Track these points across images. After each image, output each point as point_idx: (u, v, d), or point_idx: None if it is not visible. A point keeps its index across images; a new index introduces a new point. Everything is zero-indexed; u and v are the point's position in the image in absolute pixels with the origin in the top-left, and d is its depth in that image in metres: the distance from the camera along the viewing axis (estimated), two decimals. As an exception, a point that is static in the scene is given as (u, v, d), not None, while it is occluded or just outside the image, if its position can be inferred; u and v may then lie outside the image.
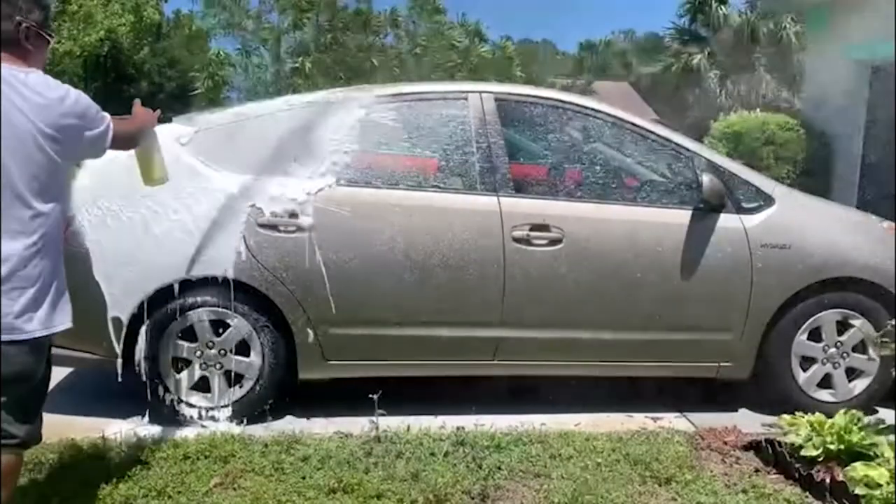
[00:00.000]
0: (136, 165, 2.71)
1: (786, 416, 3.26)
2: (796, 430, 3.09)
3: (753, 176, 3.79)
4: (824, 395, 3.72)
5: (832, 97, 8.30)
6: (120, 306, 3.26)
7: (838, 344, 3.70)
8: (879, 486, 2.60)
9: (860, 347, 3.71)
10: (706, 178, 3.49)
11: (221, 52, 15.77)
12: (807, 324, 3.66)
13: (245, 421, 3.36)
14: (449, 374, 3.62)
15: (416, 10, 16.46)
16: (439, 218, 3.42)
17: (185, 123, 3.52)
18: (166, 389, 3.36)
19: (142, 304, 3.26)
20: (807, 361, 3.71)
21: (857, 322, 3.67)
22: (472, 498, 2.72)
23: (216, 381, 3.39)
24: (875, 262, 3.65)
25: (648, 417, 3.64)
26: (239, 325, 3.35)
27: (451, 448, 3.07)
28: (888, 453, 2.78)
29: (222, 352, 3.37)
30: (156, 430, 3.26)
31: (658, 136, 3.67)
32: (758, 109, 9.16)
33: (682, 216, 3.56)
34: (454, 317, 3.46)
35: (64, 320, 2.15)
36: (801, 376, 3.70)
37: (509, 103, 3.65)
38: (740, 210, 3.60)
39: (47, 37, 2.20)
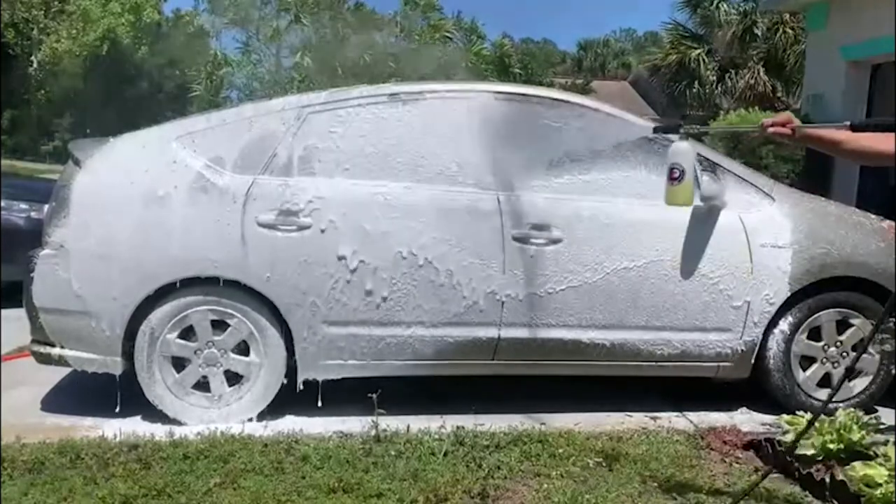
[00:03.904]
0: None
1: (786, 416, 3.25)
2: (796, 429, 3.09)
3: (753, 175, 3.79)
4: (824, 394, 3.72)
5: (831, 96, 8.30)
6: None
7: (838, 343, 3.70)
8: (879, 485, 2.60)
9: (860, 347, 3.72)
10: (705, 178, 3.49)
11: (219, 53, 15.75)
12: (806, 323, 3.66)
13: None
14: (448, 374, 3.62)
15: (410, 5, 16.44)
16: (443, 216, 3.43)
17: None
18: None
19: None
20: (806, 361, 3.71)
21: (857, 321, 3.67)
22: (472, 497, 2.71)
23: None
24: (875, 262, 3.65)
25: (648, 417, 3.64)
26: None
27: (451, 448, 3.06)
28: (889, 452, 2.77)
29: None
30: (155, 429, 3.26)
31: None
32: (757, 108, 9.14)
33: (682, 215, 3.55)
34: (453, 316, 3.46)
35: None
36: (801, 376, 3.70)
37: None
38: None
39: None
